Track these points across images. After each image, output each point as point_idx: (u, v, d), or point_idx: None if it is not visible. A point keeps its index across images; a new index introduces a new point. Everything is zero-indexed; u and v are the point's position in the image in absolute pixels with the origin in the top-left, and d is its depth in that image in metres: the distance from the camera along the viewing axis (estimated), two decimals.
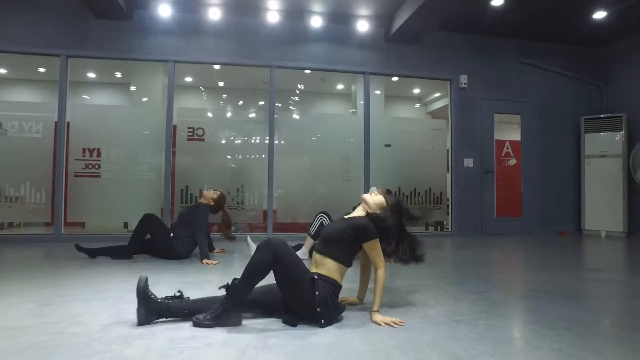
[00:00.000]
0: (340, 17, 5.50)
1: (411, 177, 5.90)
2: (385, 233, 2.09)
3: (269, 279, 1.91)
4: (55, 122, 4.96)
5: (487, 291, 2.61)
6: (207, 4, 5.15)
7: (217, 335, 1.76)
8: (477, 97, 6.06)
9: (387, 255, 2.08)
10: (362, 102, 5.82)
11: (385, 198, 2.18)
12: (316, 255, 2.05)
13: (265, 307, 2.01)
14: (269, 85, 5.47)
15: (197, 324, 1.85)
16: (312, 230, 3.68)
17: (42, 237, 4.90)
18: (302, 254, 3.61)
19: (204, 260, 3.49)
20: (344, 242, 2.02)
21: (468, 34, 6.02)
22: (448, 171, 6.10)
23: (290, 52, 5.52)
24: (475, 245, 4.96)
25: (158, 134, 5.20)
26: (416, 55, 5.88)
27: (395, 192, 5.69)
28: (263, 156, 5.46)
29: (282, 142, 5.61)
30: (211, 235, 4.07)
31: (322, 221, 3.67)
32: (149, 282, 2.27)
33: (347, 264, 2.04)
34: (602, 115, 6.14)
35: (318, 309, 1.85)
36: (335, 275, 1.98)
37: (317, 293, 1.86)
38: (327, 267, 1.98)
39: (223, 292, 1.89)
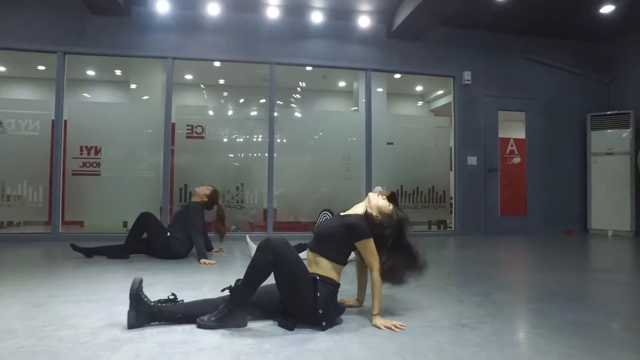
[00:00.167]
0: (341, 13, 5.40)
1: (414, 175, 5.80)
2: (379, 241, 1.97)
3: (269, 279, 1.83)
4: (53, 119, 4.90)
5: (491, 293, 2.53)
6: None
7: (210, 339, 1.69)
8: (481, 94, 5.96)
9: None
10: (364, 100, 5.73)
11: (393, 209, 2.06)
12: (309, 254, 1.98)
13: (264, 308, 1.94)
14: (269, 83, 5.38)
15: (201, 326, 1.80)
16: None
17: (39, 237, 4.84)
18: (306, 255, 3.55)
19: (202, 260, 3.42)
20: (335, 240, 1.94)
21: (471, 30, 5.92)
22: (451, 169, 6.00)
23: (291, 49, 5.44)
24: (478, 245, 4.86)
25: (157, 131, 5.13)
26: (419, 52, 5.79)
27: (397, 190, 5.69)
28: (264, 154, 5.38)
29: (283, 140, 5.53)
30: (209, 235, 4.01)
31: (326, 218, 3.59)
32: (145, 282, 2.21)
33: (342, 262, 1.96)
34: (608, 112, 6.02)
35: (320, 311, 1.78)
36: (331, 274, 1.91)
37: (318, 294, 1.79)
38: (321, 266, 1.92)
39: (218, 294, 1.83)
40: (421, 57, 5.79)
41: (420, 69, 5.89)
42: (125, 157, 5.07)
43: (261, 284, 1.82)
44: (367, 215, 2.02)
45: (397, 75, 6.46)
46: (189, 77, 7.44)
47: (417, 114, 8.58)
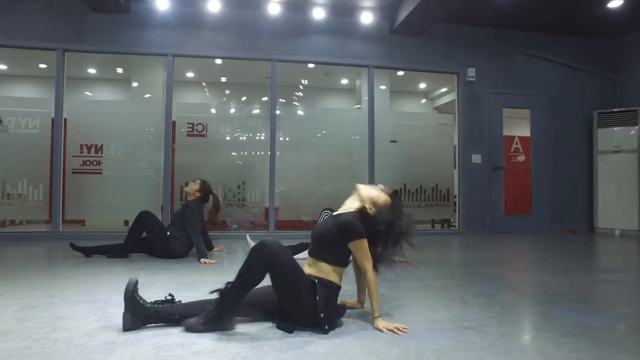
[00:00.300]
0: (343, 9, 5.34)
1: (417, 173, 5.74)
2: (373, 235, 1.90)
3: (266, 280, 1.78)
4: (52, 118, 4.87)
5: (496, 294, 2.47)
6: None
7: (206, 342, 1.64)
8: (485, 91, 5.88)
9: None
10: (367, 98, 5.67)
11: (391, 198, 1.99)
12: (309, 259, 1.93)
13: (263, 309, 1.89)
14: (271, 80, 5.33)
15: (188, 329, 1.75)
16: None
17: (40, 235, 4.82)
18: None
19: (202, 260, 3.39)
20: (330, 241, 1.87)
21: (476, 26, 5.84)
22: (455, 167, 5.93)
23: (292, 46, 5.38)
24: (483, 244, 4.80)
25: (158, 130, 5.10)
26: (422, 48, 5.71)
27: (401, 189, 5.63)
28: (265, 153, 5.34)
29: (285, 138, 5.48)
30: (209, 234, 3.97)
31: (324, 218, 3.54)
32: (143, 282, 2.17)
33: (342, 264, 1.90)
34: (615, 109, 5.93)
35: (322, 315, 1.73)
36: (332, 277, 1.86)
37: (318, 298, 1.73)
38: (321, 269, 1.86)
39: (215, 295, 1.78)
40: (424, 54, 5.72)
41: (424, 66, 5.82)
42: (127, 156, 5.04)
43: (253, 287, 1.75)
44: (360, 211, 1.94)
45: (400, 73, 6.38)
46: (190, 75, 7.41)
47: (420, 112, 8.50)
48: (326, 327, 1.74)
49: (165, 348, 1.58)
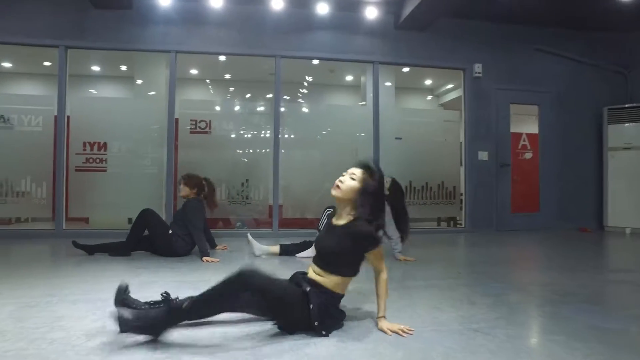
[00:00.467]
0: (347, 4, 5.26)
1: (423, 171, 5.66)
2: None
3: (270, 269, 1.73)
4: (55, 115, 4.86)
5: (504, 294, 2.41)
6: None
7: (204, 343, 1.60)
8: (492, 87, 5.78)
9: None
10: (372, 94, 5.60)
11: (363, 177, 1.81)
12: (315, 268, 1.81)
13: (261, 307, 1.76)
14: (275, 76, 5.28)
15: (119, 321, 1.58)
16: (321, 225, 3.51)
17: (43, 233, 4.82)
18: (312, 252, 3.46)
19: (204, 258, 3.35)
20: (346, 254, 1.77)
21: (482, 21, 5.74)
22: (461, 165, 5.85)
23: (296, 41, 5.32)
24: (490, 242, 4.72)
25: (162, 127, 5.07)
26: (428, 44, 5.63)
27: (406, 186, 5.55)
28: (269, 150, 5.29)
29: (290, 135, 5.44)
30: (212, 231, 3.94)
31: (326, 227, 3.46)
32: (145, 281, 2.14)
33: (355, 273, 1.82)
34: (627, 105, 5.80)
35: (316, 323, 1.66)
36: (338, 288, 1.78)
37: (311, 306, 1.65)
38: (330, 279, 1.76)
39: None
40: (430, 50, 5.64)
41: (429, 62, 5.74)
42: (130, 153, 5.02)
43: (214, 314, 1.70)
44: (369, 214, 1.78)
45: (406, 69, 6.31)
46: (194, 72, 7.37)
47: (426, 108, 8.41)
48: (323, 333, 1.67)
49: (163, 349, 1.54)
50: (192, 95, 7.40)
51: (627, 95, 6.09)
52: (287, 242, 3.81)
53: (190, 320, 1.70)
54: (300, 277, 1.82)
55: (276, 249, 3.65)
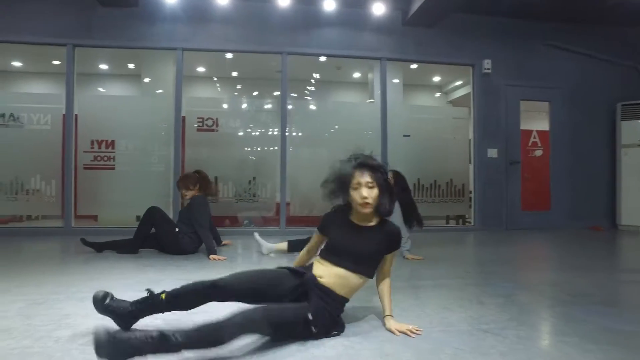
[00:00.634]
0: (354, 0, 5.21)
1: (431, 168, 5.61)
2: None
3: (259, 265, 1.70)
4: (64, 114, 4.88)
5: (515, 294, 2.36)
6: None
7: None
8: (502, 84, 5.69)
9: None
10: (380, 91, 5.55)
11: (378, 181, 1.74)
12: (337, 270, 1.71)
13: (261, 298, 1.62)
14: (281, 74, 5.25)
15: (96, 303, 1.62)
16: None
17: (52, 231, 4.85)
18: (266, 250, 3.54)
19: (211, 256, 3.34)
20: (379, 256, 1.77)
21: (491, 16, 5.64)
22: (470, 162, 5.78)
23: (303, 38, 5.29)
24: (499, 241, 4.66)
25: (170, 125, 5.07)
26: (436, 40, 5.55)
27: (415, 184, 5.50)
28: (276, 148, 5.27)
29: (298, 133, 5.41)
30: (219, 229, 3.93)
31: None
32: (151, 279, 2.12)
33: (373, 276, 1.80)
34: None
35: (313, 329, 1.60)
36: (351, 293, 1.74)
37: (314, 330, 1.59)
38: (348, 282, 1.70)
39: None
40: (438, 46, 5.56)
41: (438, 58, 5.67)
42: (138, 151, 5.04)
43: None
44: (387, 210, 1.78)
45: (414, 66, 6.24)
46: (202, 69, 7.38)
47: (434, 105, 8.33)
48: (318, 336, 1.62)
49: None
50: (199, 93, 7.41)
51: None
52: (294, 238, 3.77)
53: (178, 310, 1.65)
54: (311, 286, 1.66)
55: (284, 245, 3.60)
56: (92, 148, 4.95)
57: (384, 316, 1.77)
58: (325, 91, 8.05)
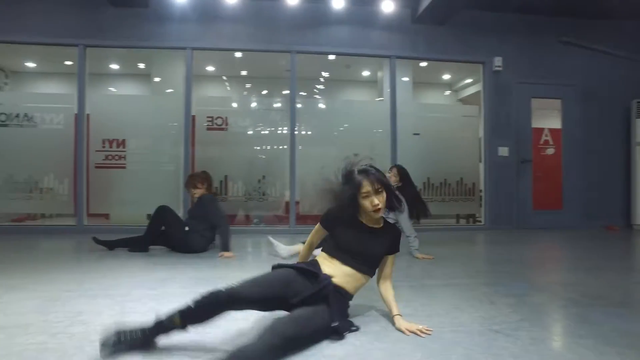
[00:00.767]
0: None
1: (441, 167, 5.57)
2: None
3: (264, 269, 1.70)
4: (75, 113, 4.95)
5: (527, 294, 2.33)
6: None
7: (219, 342, 1.59)
8: (513, 81, 5.63)
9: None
10: (389, 90, 5.52)
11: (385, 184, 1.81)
12: (345, 268, 1.75)
13: (277, 305, 1.65)
14: (291, 72, 5.26)
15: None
16: None
17: (65, 229, 4.93)
18: (284, 254, 3.38)
19: (223, 253, 3.37)
20: (382, 257, 1.84)
21: (502, 12, 5.58)
22: (481, 161, 5.72)
23: (312, 36, 5.28)
24: (510, 240, 4.61)
25: (179, 124, 5.11)
26: (446, 37, 5.51)
27: (424, 182, 5.47)
28: (285, 146, 5.28)
29: (307, 132, 5.41)
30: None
31: None
32: (162, 277, 2.12)
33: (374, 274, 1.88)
34: None
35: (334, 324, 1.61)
36: (357, 290, 1.81)
37: (341, 336, 1.62)
38: (356, 279, 1.77)
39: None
40: (448, 43, 5.52)
41: (448, 56, 5.62)
42: (149, 150, 5.09)
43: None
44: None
45: (424, 64, 6.20)
46: (211, 68, 7.41)
47: (444, 103, 8.27)
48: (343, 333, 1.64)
49: (179, 347, 1.53)
50: (208, 92, 7.46)
51: None
52: (305, 238, 3.75)
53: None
54: (330, 289, 1.65)
55: (300, 247, 3.52)
56: (104, 147, 5.01)
57: (393, 316, 1.76)
58: (335, 90, 8.04)
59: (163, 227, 3.52)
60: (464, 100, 8.12)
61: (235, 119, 5.26)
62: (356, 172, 1.79)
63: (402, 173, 3.53)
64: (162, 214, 3.48)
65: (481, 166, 5.70)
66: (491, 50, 5.57)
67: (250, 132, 5.34)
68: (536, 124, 5.84)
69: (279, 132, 5.39)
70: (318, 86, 7.81)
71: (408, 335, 1.66)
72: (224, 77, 7.88)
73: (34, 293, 2.25)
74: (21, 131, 4.90)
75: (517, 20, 5.64)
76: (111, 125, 5.04)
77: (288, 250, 3.42)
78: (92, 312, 1.94)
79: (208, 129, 5.17)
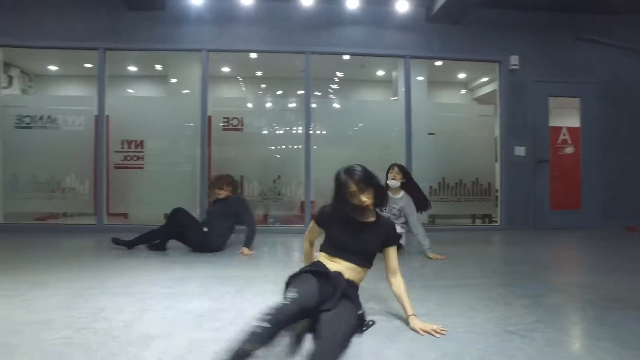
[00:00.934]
0: None
1: (456, 167, 5.52)
2: None
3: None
4: (96, 115, 5.08)
5: (543, 295, 2.31)
6: None
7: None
8: (530, 80, 5.54)
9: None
10: (404, 89, 5.50)
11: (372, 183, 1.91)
12: (349, 264, 1.85)
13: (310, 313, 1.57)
14: (305, 72, 5.29)
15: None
16: None
17: (85, 228, 5.06)
18: None
19: (244, 250, 3.47)
20: (378, 249, 1.92)
21: (518, 10, 5.49)
22: (497, 160, 5.66)
23: (326, 37, 5.30)
24: (527, 241, 4.55)
25: (196, 124, 5.19)
26: (461, 36, 5.46)
27: (439, 182, 5.44)
28: (300, 146, 5.31)
29: (322, 131, 5.44)
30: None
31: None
32: (179, 275, 2.16)
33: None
34: None
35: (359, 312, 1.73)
36: (361, 282, 1.92)
37: (370, 323, 1.76)
38: (358, 272, 1.88)
39: (253, 288, 1.70)
40: (464, 42, 5.46)
41: (463, 55, 5.57)
42: (166, 151, 5.18)
43: None
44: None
45: (438, 63, 6.15)
46: (226, 69, 7.50)
47: (459, 103, 8.19)
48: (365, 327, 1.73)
49: (199, 343, 1.58)
50: (224, 93, 7.54)
51: None
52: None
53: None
54: (346, 287, 1.70)
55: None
56: (122, 148, 5.12)
57: (408, 316, 1.78)
58: (349, 89, 8.05)
59: (177, 229, 3.56)
60: (480, 99, 8.03)
61: (250, 120, 5.32)
62: (342, 174, 1.87)
63: (403, 170, 3.62)
64: (178, 217, 3.53)
65: (497, 166, 5.64)
66: (507, 49, 5.50)
67: (265, 132, 5.39)
68: (554, 122, 5.74)
69: (294, 132, 5.42)
70: (333, 86, 7.82)
71: (422, 335, 1.67)
72: (239, 78, 7.96)
73: (57, 290, 2.33)
74: (44, 133, 5.06)
75: (533, 18, 5.55)
76: (129, 126, 5.15)
77: None
78: (114, 308, 2.00)
79: (224, 129, 5.24)
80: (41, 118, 5.06)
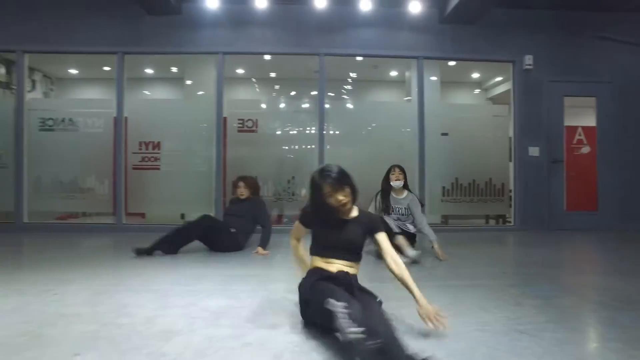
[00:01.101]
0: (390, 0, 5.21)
1: (470, 167, 5.52)
2: None
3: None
4: (114, 117, 5.23)
5: (555, 296, 2.32)
6: None
7: (255, 335, 1.70)
8: (544, 80, 5.50)
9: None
10: (417, 89, 5.51)
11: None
12: (344, 262, 1.91)
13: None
14: (319, 74, 5.35)
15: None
16: (394, 229, 3.35)
17: (105, 227, 5.22)
18: (413, 254, 3.18)
19: (259, 250, 3.56)
20: (364, 242, 1.97)
21: (532, 10, 5.46)
22: (511, 160, 5.63)
23: (340, 39, 5.35)
24: (541, 242, 4.53)
25: (211, 126, 5.30)
26: (474, 37, 5.45)
27: (452, 183, 5.44)
28: (314, 146, 5.38)
29: (335, 132, 5.50)
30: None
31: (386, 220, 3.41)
32: (194, 275, 2.21)
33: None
34: None
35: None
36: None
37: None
38: (354, 268, 1.95)
39: (266, 287, 1.75)
40: (477, 42, 5.45)
41: (476, 55, 5.56)
42: (182, 152, 5.31)
43: None
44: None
45: (452, 63, 6.14)
46: (241, 71, 7.60)
47: (473, 103, 8.15)
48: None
49: (217, 339, 1.65)
50: (238, 94, 7.65)
51: None
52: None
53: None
54: (356, 284, 1.83)
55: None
56: (140, 149, 5.27)
57: (417, 300, 1.73)
58: (362, 90, 8.08)
59: (206, 233, 3.62)
60: (494, 99, 7.97)
61: (265, 121, 5.40)
62: (317, 178, 1.90)
63: (404, 170, 3.67)
64: (208, 224, 3.61)
65: (511, 166, 5.61)
66: (521, 49, 5.47)
67: (279, 133, 5.47)
68: (569, 122, 5.68)
69: (308, 132, 5.49)
70: (346, 87, 7.86)
71: (428, 325, 1.66)
72: (254, 79, 8.06)
73: (83, 286, 2.45)
74: (66, 135, 5.23)
75: (547, 17, 5.51)
76: (147, 128, 5.29)
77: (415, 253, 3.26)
78: (136, 305, 2.09)
79: (239, 130, 5.34)
80: (63, 120, 5.23)
